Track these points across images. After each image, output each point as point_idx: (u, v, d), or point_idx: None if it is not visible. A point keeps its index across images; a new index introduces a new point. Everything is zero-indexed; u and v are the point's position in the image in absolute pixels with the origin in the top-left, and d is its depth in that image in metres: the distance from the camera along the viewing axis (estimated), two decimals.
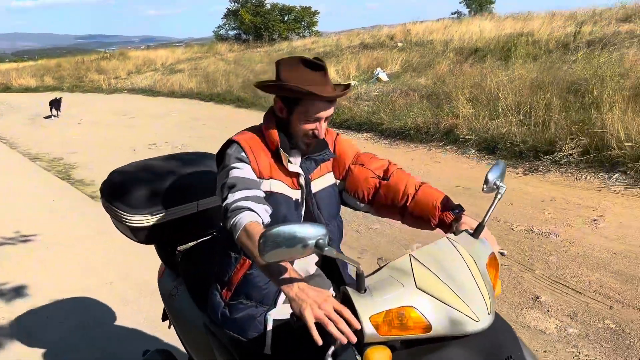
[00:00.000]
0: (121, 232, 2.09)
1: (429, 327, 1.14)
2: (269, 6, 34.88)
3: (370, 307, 1.13)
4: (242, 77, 16.06)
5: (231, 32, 35.86)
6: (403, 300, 1.14)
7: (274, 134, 1.56)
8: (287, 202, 1.57)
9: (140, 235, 1.99)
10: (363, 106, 9.62)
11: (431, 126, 7.43)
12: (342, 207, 1.77)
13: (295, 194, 1.60)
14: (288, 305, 1.22)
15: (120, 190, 1.98)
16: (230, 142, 1.59)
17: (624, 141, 5.06)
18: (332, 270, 1.75)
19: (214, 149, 1.75)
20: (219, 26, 36.77)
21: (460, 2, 45.61)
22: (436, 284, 1.18)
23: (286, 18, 34.64)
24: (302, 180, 1.60)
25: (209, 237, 2.21)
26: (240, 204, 1.42)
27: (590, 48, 10.93)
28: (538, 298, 3.16)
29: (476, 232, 1.39)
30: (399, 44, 18.63)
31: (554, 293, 3.21)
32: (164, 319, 2.28)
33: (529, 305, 3.09)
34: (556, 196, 4.87)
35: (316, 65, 1.50)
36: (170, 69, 23.12)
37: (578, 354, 2.63)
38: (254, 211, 1.41)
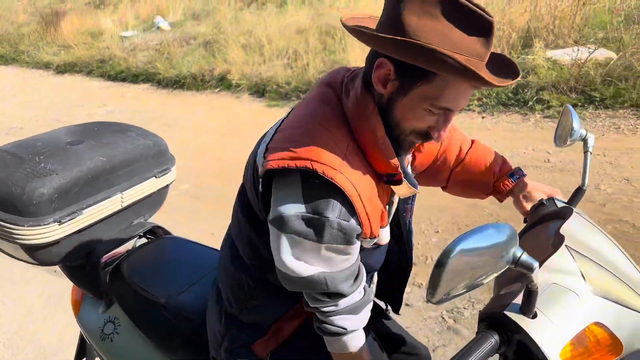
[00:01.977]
0: (6, 254, 1.47)
1: (619, 346, 0.84)
2: None
3: (556, 339, 0.80)
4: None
5: None
6: (586, 317, 0.84)
7: (384, 145, 0.94)
8: (388, 235, 1.13)
9: (42, 254, 1.39)
10: (140, 57, 9.27)
11: (206, 73, 7.56)
12: None
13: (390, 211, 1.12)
14: None
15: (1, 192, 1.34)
16: (324, 192, 0.91)
17: None
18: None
19: None
20: None
21: None
22: (612, 282, 0.89)
23: None
24: (395, 198, 1.11)
25: (148, 240, 1.70)
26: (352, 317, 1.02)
27: None
28: None
29: (575, 199, 1.15)
30: None
31: None
32: None
33: None
34: None
35: (479, 25, 0.83)
36: None
37: None
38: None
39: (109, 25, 12.81)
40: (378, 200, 0.98)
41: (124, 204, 1.52)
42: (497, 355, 0.88)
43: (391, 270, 1.28)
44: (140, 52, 9.61)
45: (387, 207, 1.04)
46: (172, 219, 3.79)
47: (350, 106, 0.96)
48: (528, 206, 1.21)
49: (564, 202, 1.15)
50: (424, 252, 2.99)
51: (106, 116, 6.82)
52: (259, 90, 6.86)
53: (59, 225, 1.34)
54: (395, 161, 0.95)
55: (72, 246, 1.44)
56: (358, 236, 0.96)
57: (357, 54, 6.02)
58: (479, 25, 0.83)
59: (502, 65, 0.92)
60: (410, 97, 0.90)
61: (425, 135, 0.95)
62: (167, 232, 1.76)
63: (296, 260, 0.94)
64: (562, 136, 1.19)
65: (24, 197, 1.30)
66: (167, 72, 8.02)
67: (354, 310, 1.00)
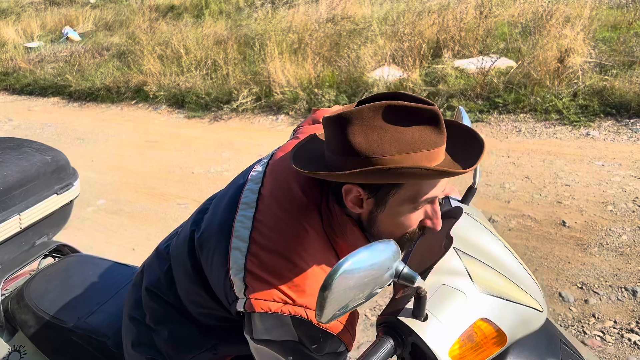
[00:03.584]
0: None
1: (504, 338, 0.90)
2: None
3: (445, 339, 0.86)
4: None
5: None
6: (472, 314, 0.89)
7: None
8: None
9: None
10: (48, 68, 8.79)
11: (121, 85, 7.31)
12: None
13: None
14: None
15: None
16: (321, 335, 0.92)
17: (284, 87, 5.92)
18: None
19: None
20: None
21: None
22: (496, 279, 0.95)
23: None
24: None
25: (54, 260, 1.60)
26: None
27: (274, 6, 12.09)
28: None
29: (467, 198, 1.19)
30: (92, 1, 17.28)
31: None
32: None
33: None
34: (234, 140, 5.46)
35: (424, 116, 0.84)
36: None
37: None
38: None
39: (11, 35, 12.05)
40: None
41: (23, 225, 1.45)
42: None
43: None
44: (49, 64, 9.13)
45: None
46: (89, 236, 3.63)
47: (333, 229, 0.97)
48: None
49: (457, 201, 1.23)
50: None
51: (12, 131, 6.41)
52: (178, 102, 6.73)
53: None
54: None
55: None
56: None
57: (276, 64, 6.08)
58: (424, 117, 0.83)
59: (460, 137, 0.93)
60: (389, 207, 0.91)
61: (421, 229, 0.96)
62: (74, 250, 1.69)
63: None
64: None
65: None
66: (79, 84, 7.67)
67: None
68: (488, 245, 1.02)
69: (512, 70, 5.13)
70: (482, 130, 4.63)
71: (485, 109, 4.91)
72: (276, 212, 0.97)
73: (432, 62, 5.88)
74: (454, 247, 0.97)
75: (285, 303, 0.89)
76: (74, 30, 12.81)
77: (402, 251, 0.97)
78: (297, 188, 0.98)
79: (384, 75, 5.65)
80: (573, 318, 2.42)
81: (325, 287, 0.70)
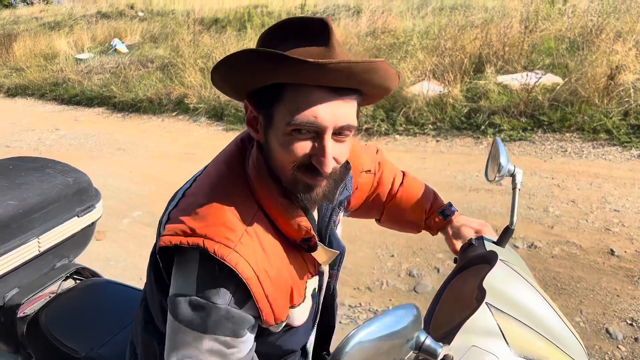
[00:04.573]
0: None
1: None
2: None
3: None
4: None
5: None
6: None
7: (284, 205, 0.88)
8: (309, 320, 1.01)
9: None
10: (95, 79, 9.08)
11: (163, 97, 7.45)
12: None
13: (312, 287, 0.99)
14: None
15: None
16: (214, 276, 0.83)
17: None
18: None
19: None
20: None
21: None
22: (534, 340, 0.86)
23: None
24: (323, 267, 1.01)
25: (75, 283, 1.58)
26: None
27: None
28: None
29: (503, 240, 1.11)
30: (140, 14, 17.86)
31: None
32: None
33: None
34: None
35: (312, 31, 0.80)
36: None
37: None
38: None
39: (63, 47, 12.56)
40: (288, 277, 0.88)
41: (42, 249, 1.41)
42: None
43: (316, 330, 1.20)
44: (96, 75, 9.42)
45: (314, 277, 0.96)
46: (123, 248, 3.67)
47: (249, 170, 0.90)
48: (458, 244, 1.18)
49: (492, 242, 1.13)
50: (380, 277, 2.98)
51: (58, 140, 6.61)
52: (218, 114, 6.80)
53: None
54: (304, 222, 0.86)
55: None
56: (252, 328, 0.86)
57: None
58: (314, 35, 0.79)
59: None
60: (275, 126, 0.82)
61: (310, 168, 0.82)
62: (95, 274, 1.67)
63: (178, 354, 0.83)
64: (492, 171, 1.16)
65: None
66: (123, 95, 7.87)
67: None
68: (525, 299, 0.93)
69: (558, 87, 4.93)
70: (525, 149, 4.46)
71: (529, 127, 4.73)
72: (209, 167, 0.95)
73: (474, 77, 5.73)
74: (486, 303, 0.86)
75: (186, 234, 0.82)
76: (122, 43, 13.24)
77: (303, 198, 0.85)
78: (229, 147, 0.97)
79: (424, 90, 5.54)
80: (622, 358, 2.24)
81: (334, 358, 0.64)
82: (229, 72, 0.82)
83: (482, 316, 0.85)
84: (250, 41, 9.45)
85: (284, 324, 0.91)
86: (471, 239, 1.15)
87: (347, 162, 0.96)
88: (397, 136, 5.27)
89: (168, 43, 12.00)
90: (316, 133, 0.81)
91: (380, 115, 5.46)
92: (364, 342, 0.64)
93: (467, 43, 6.17)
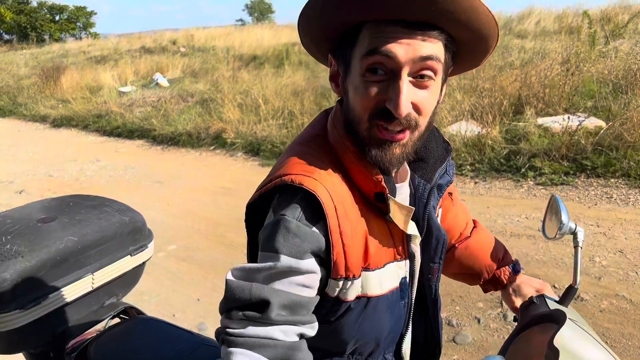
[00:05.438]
0: None
1: None
2: (35, 4, 31.40)
3: None
4: None
5: None
6: None
7: (357, 156, 0.82)
8: (391, 301, 0.90)
9: (3, 343, 1.29)
10: (137, 112, 9.37)
11: (202, 131, 7.61)
12: None
13: (401, 273, 0.91)
14: None
15: None
16: (282, 189, 0.80)
17: None
18: None
19: None
20: None
21: (244, 10, 47.26)
22: None
23: (57, 18, 31.57)
24: (414, 246, 0.92)
25: (120, 321, 1.59)
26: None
27: None
28: None
29: (566, 299, 1.06)
30: (182, 49, 18.50)
31: None
32: None
33: None
34: None
35: None
36: None
37: None
38: None
39: (108, 80, 13.06)
40: (362, 230, 0.82)
41: (95, 285, 1.43)
42: None
43: (419, 353, 1.09)
44: (137, 108, 9.72)
45: (403, 261, 0.89)
46: (157, 282, 3.68)
47: (328, 127, 0.88)
48: (517, 302, 1.14)
49: (554, 301, 1.09)
50: None
51: (98, 171, 6.79)
52: (254, 149, 6.88)
53: (22, 311, 1.23)
54: (375, 173, 0.81)
55: (37, 332, 1.33)
56: (321, 261, 0.79)
57: None
58: None
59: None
60: (352, 72, 0.78)
61: (385, 114, 0.75)
62: (140, 312, 1.67)
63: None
64: (550, 229, 1.13)
65: None
66: (163, 128, 8.08)
67: (262, 347, 0.73)
68: (596, 358, 0.89)
69: (601, 131, 4.81)
70: (567, 193, 4.32)
71: (572, 172, 4.60)
72: (297, 137, 0.93)
73: (513, 119, 5.66)
74: None
75: (271, 180, 0.80)
76: (164, 77, 13.69)
77: (377, 155, 0.79)
78: (317, 116, 0.95)
79: (461, 131, 5.48)
80: None
81: None
82: (307, 24, 0.80)
83: None
84: (287, 78, 9.63)
85: (359, 288, 0.83)
86: (532, 297, 1.10)
87: (447, 143, 0.95)
88: None
89: (208, 78, 12.34)
90: (392, 73, 0.74)
91: None
92: None
93: (506, 84, 6.12)
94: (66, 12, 31.86)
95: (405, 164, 0.92)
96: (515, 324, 1.11)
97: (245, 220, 0.88)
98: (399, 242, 0.88)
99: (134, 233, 1.57)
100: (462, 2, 0.70)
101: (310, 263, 0.77)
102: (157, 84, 13.02)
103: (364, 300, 0.84)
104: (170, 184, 6.04)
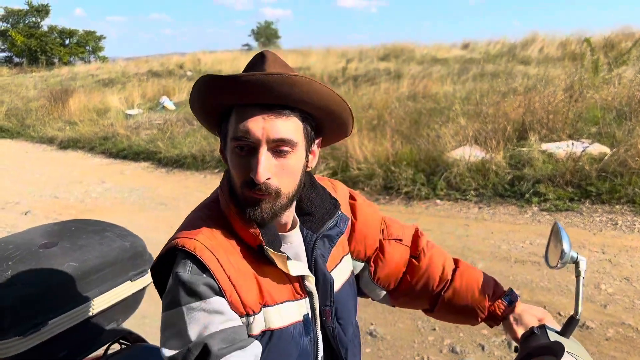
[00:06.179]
0: None
1: None
2: (46, 28, 31.98)
3: None
4: (8, 105, 14.39)
5: None
6: None
7: (239, 219, 0.92)
8: (295, 333, 0.97)
9: None
10: (143, 135, 9.44)
11: (206, 154, 7.65)
12: None
13: (301, 310, 0.99)
14: None
15: None
16: (174, 253, 0.91)
17: (361, 163, 5.91)
18: None
19: None
20: None
21: (250, 36, 48.01)
22: None
23: (67, 42, 32.10)
24: (309, 284, 1.00)
25: (120, 347, 1.59)
26: None
27: (355, 82, 12.45)
28: None
29: (568, 330, 1.06)
30: (189, 73, 18.73)
31: None
32: None
33: None
34: None
35: (251, 63, 0.93)
36: None
37: None
38: None
39: (115, 103, 13.20)
40: (252, 274, 0.92)
41: (95, 311, 1.42)
42: None
43: None
44: (144, 131, 9.80)
45: (303, 300, 0.98)
46: (158, 305, 3.65)
47: (219, 194, 0.99)
48: (519, 331, 1.12)
49: (555, 332, 1.07)
50: (420, 351, 2.85)
51: (104, 193, 6.81)
52: None
53: (21, 338, 1.22)
54: (253, 229, 0.91)
55: (36, 359, 1.31)
56: (218, 292, 0.87)
57: (354, 140, 6.12)
58: (250, 66, 0.92)
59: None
60: (227, 145, 0.92)
61: (251, 183, 0.88)
62: (140, 338, 1.66)
63: (167, 340, 0.86)
64: (553, 257, 1.11)
65: None
66: (168, 151, 8.13)
67: None
68: None
69: (606, 157, 4.81)
70: (572, 220, 4.30)
71: (576, 197, 4.58)
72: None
73: (517, 144, 5.67)
74: None
75: (164, 247, 0.92)
76: (170, 100, 13.83)
77: (250, 212, 0.90)
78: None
79: (465, 156, 5.49)
80: None
81: None
82: (193, 107, 0.96)
83: None
84: None
85: (262, 323, 0.92)
86: (533, 327, 1.08)
87: (335, 200, 1.07)
88: (438, 201, 5.19)
89: None
90: (254, 149, 0.88)
91: (421, 179, 5.42)
92: None
93: (509, 110, 6.15)
94: (76, 36, 32.37)
95: (295, 215, 1.03)
96: (516, 354, 1.09)
97: (154, 283, 0.98)
98: (294, 280, 0.97)
99: (134, 258, 1.56)
100: (301, 86, 0.86)
101: (216, 300, 0.87)
102: (163, 107, 13.15)
103: (268, 333, 0.93)
104: (174, 206, 6.05)
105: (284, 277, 0.95)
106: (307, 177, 1.06)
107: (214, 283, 0.87)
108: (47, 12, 32.15)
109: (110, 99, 13.38)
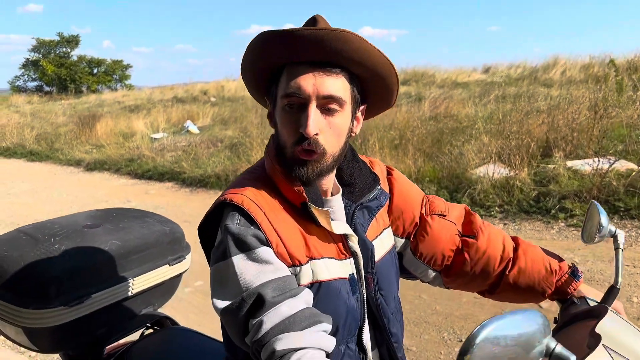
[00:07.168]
0: (6, 337, 1.38)
1: None
2: (75, 57, 33.10)
3: None
4: (38, 130, 14.83)
5: (31, 84, 33.09)
6: None
7: (280, 171, 0.96)
8: (342, 289, 0.98)
9: (44, 340, 1.32)
10: (167, 156, 9.61)
11: (230, 173, 7.74)
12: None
13: (347, 269, 1.00)
14: None
15: (9, 272, 1.27)
16: (222, 209, 0.96)
17: None
18: None
19: None
20: (15, 77, 33.67)
21: None
22: None
23: (95, 70, 33.13)
24: (353, 244, 1.01)
25: (154, 331, 1.62)
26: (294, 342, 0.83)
27: None
28: None
29: (608, 299, 1.05)
30: (212, 99, 19.11)
31: None
32: None
33: None
34: None
35: (306, 24, 0.95)
36: None
37: None
38: (321, 349, 0.86)
39: (140, 127, 13.50)
40: (297, 229, 0.95)
41: (134, 291, 1.46)
42: None
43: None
44: (168, 153, 9.98)
45: (348, 260, 1.00)
46: (183, 316, 3.67)
47: (265, 158, 1.04)
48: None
49: (596, 302, 1.07)
50: None
51: None
52: None
53: (66, 308, 1.27)
54: (297, 187, 0.94)
55: (77, 333, 1.36)
56: (265, 242, 0.90)
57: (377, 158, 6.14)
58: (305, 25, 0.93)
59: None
60: (277, 106, 0.96)
61: (301, 139, 0.92)
62: (174, 322, 1.68)
63: (219, 291, 0.90)
64: (590, 233, 1.12)
65: (33, 277, 1.26)
66: (193, 171, 8.25)
67: (289, 325, 0.84)
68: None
69: (633, 173, 4.73)
70: None
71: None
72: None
73: (542, 161, 5.62)
74: (603, 345, 0.81)
75: (214, 203, 0.97)
76: (194, 124, 14.08)
77: (297, 172, 0.94)
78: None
79: (489, 173, 5.46)
80: None
81: (465, 351, 0.63)
82: (245, 75, 1.01)
83: (599, 358, 0.79)
84: None
85: (309, 274, 0.94)
86: (573, 296, 1.09)
87: (375, 175, 1.09)
88: None
89: (237, 125, 12.65)
90: (304, 106, 0.91)
91: (444, 196, 5.39)
92: (492, 338, 0.63)
93: (533, 127, 6.12)
94: (104, 65, 33.43)
95: (338, 184, 1.07)
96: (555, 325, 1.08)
97: (201, 242, 1.04)
98: (338, 240, 0.99)
99: (173, 243, 1.60)
100: (352, 43, 0.89)
101: (264, 250, 0.90)
102: (187, 130, 13.39)
103: (316, 285, 0.95)
104: (197, 223, 6.07)
105: (328, 236, 0.98)
106: (349, 150, 1.08)
107: (261, 234, 0.90)
108: (77, 43, 33.37)
109: (136, 124, 13.68)
